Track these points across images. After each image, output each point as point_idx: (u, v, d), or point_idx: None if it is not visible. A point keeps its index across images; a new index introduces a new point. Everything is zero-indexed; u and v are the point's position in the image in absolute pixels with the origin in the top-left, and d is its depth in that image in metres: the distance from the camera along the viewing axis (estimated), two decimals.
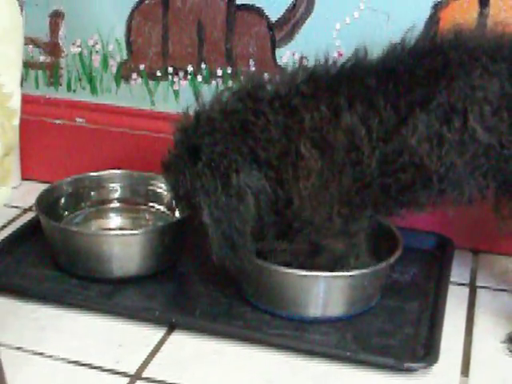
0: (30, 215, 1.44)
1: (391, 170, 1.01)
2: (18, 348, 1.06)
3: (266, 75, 1.31)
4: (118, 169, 1.42)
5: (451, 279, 1.24)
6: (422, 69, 1.01)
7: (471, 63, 0.99)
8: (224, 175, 1.03)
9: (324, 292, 1.11)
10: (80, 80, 1.52)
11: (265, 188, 1.04)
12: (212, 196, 1.04)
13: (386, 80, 1.01)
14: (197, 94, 1.10)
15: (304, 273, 1.10)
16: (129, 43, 1.46)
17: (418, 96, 0.99)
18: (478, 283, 1.27)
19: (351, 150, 1.01)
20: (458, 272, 1.29)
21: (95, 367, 1.03)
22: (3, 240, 1.32)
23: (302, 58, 1.34)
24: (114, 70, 1.49)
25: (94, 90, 1.52)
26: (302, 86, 1.05)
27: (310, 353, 1.07)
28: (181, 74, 1.44)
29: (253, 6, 1.36)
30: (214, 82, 1.43)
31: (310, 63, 1.10)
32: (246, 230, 1.05)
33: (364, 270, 1.12)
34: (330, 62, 1.07)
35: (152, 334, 1.11)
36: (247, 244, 1.06)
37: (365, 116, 1.00)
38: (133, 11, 1.44)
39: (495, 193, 1.05)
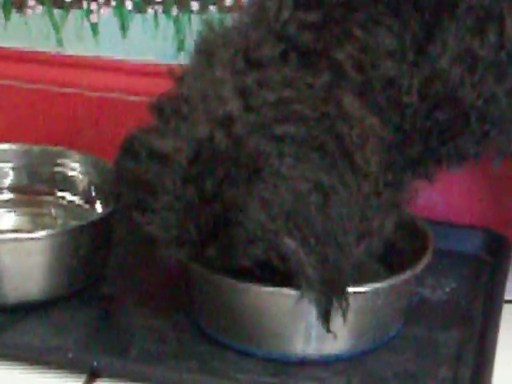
0: None
1: (428, 107, 0.92)
2: None
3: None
4: (9, 141, 1.20)
5: (507, 297, 1.08)
6: None
7: None
8: None
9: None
10: None
11: None
12: None
13: None
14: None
15: (288, 291, 0.89)
16: None
17: None
18: None
19: (390, 86, 0.90)
20: None
21: None
22: None
23: None
24: None
25: None
26: (299, 14, 0.89)
27: None
28: None
29: None
30: (150, 11, 1.22)
31: None
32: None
33: (377, 285, 0.94)
34: None
35: None
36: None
37: (398, 31, 0.90)
38: None
39: None
